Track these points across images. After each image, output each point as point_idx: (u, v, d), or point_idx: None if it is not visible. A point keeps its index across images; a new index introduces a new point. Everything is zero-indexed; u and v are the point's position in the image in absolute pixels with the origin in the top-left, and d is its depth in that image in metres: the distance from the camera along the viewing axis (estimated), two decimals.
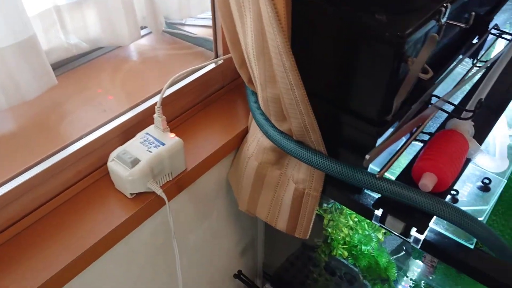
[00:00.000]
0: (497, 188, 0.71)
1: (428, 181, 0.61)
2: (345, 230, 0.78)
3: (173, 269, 0.87)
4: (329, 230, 0.80)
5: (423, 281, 1.00)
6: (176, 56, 0.97)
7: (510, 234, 1.22)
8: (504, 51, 0.90)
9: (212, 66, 0.86)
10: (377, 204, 0.64)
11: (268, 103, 0.65)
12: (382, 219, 0.64)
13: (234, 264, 1.10)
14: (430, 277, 1.03)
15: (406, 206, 0.62)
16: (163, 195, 0.68)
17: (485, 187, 0.71)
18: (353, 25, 0.55)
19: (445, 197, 0.65)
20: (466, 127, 0.69)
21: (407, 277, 0.98)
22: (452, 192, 0.69)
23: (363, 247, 0.80)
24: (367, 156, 0.54)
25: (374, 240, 0.80)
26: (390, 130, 0.63)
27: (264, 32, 0.55)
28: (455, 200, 0.70)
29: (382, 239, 0.88)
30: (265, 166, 0.76)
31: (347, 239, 0.80)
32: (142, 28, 1.01)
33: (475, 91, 0.81)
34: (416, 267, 1.05)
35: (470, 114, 0.75)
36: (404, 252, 1.01)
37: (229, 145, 0.81)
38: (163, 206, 0.72)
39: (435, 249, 0.63)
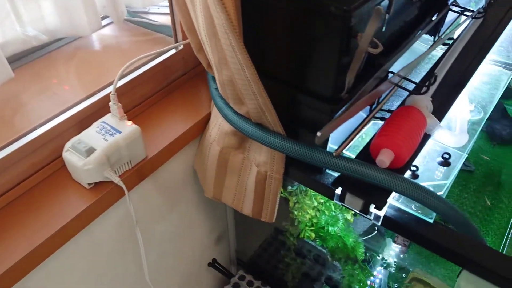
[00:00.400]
0: (457, 163, 0.72)
1: (384, 157, 0.61)
2: (311, 212, 0.78)
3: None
4: (295, 212, 0.80)
5: (394, 260, 1.01)
6: (139, 45, 0.95)
7: (481, 211, 1.23)
8: (465, 28, 0.91)
9: (173, 52, 0.84)
10: (336, 182, 0.64)
11: (224, 86, 0.65)
12: (341, 198, 0.64)
13: (208, 253, 1.10)
14: (402, 256, 1.04)
15: (365, 183, 0.62)
16: (121, 184, 0.66)
17: (445, 162, 0.72)
18: (300, 0, 0.54)
19: (404, 173, 0.65)
20: (424, 103, 0.69)
21: (378, 256, 0.99)
22: (412, 168, 0.70)
23: (330, 228, 0.80)
24: (319, 133, 0.53)
25: (340, 220, 0.80)
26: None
27: (211, 13, 0.54)
28: (415, 176, 0.70)
29: (352, 220, 0.88)
30: (228, 150, 0.75)
31: (314, 220, 0.80)
32: (104, 17, 0.99)
33: (437, 68, 0.81)
34: (392, 247, 1.06)
35: (431, 91, 0.75)
36: (376, 232, 1.01)
37: (192, 131, 0.80)
38: (124, 195, 0.70)
39: (396, 225, 0.64)
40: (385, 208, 0.64)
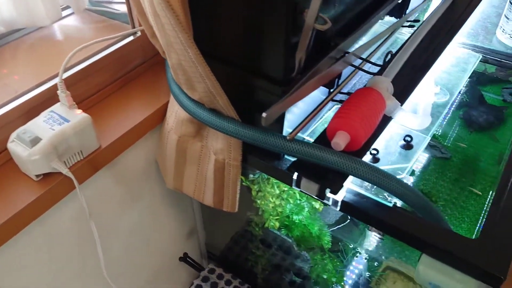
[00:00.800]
0: (420, 146, 0.70)
1: (339, 140, 0.59)
2: (274, 200, 0.76)
3: (105, 254, 0.84)
4: (259, 201, 0.78)
5: (367, 249, 0.99)
6: (100, 34, 0.92)
7: (456, 198, 1.22)
8: (433, 10, 0.89)
9: (130, 39, 0.81)
10: (292, 167, 0.62)
11: (176, 70, 0.62)
12: (297, 183, 0.62)
13: (179, 247, 1.08)
14: (376, 245, 1.03)
15: (322, 168, 0.60)
16: (70, 175, 0.64)
17: (407, 145, 0.70)
18: None
19: (362, 156, 0.64)
20: (384, 85, 0.67)
21: (350, 246, 0.97)
22: (372, 151, 0.68)
23: (295, 217, 0.78)
24: (264, 114, 0.51)
25: (306, 209, 0.78)
26: None
27: None
28: (376, 159, 0.68)
29: (320, 209, 0.86)
30: (185, 139, 0.73)
31: (279, 209, 0.78)
32: (66, 8, 0.96)
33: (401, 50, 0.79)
34: (370, 236, 1.04)
35: (393, 73, 0.73)
36: (349, 221, 0.99)
37: (151, 119, 0.77)
38: (78, 186, 0.68)
39: (354, 210, 0.62)
40: (342, 193, 0.62)
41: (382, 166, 0.67)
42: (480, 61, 0.90)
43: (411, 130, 0.72)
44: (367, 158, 0.67)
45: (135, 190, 0.86)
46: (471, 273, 0.55)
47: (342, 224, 0.98)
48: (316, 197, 0.61)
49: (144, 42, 0.83)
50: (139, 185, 0.87)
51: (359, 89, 0.67)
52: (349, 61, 0.63)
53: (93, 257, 0.82)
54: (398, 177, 0.65)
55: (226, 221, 0.95)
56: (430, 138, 0.71)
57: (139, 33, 0.82)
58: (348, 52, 0.62)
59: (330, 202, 0.62)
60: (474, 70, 1.18)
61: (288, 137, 0.59)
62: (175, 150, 0.74)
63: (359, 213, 0.61)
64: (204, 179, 0.75)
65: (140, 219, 0.91)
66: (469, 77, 1.24)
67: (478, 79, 1.32)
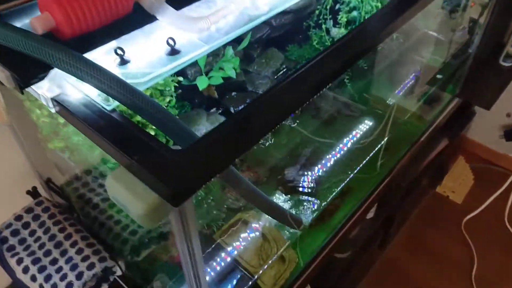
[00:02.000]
0: (189, 53, 0.58)
1: (37, 21, 0.49)
2: (40, 112, 0.66)
3: None
4: (32, 116, 0.68)
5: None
6: None
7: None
8: None
9: None
10: None
11: None
12: None
13: (29, 181, 1.00)
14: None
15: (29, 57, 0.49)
16: None
17: (172, 50, 0.58)
18: None
19: (87, 50, 0.53)
20: None
21: None
22: (118, 51, 0.56)
23: (74, 138, 0.68)
24: None
25: None
26: None
27: None
28: (124, 61, 0.56)
29: None
30: None
31: (65, 129, 0.68)
32: None
33: None
34: None
35: None
36: None
37: None
38: None
39: (68, 113, 0.51)
40: (55, 90, 0.51)
41: (128, 69, 0.55)
42: None
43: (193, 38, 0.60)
44: (112, 59, 0.56)
45: None
46: (153, 186, 0.44)
47: None
48: (19, 91, 0.51)
49: None
50: None
51: None
52: None
53: None
54: (135, 81, 0.54)
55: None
56: (209, 48, 0.58)
57: None
58: None
59: (44, 101, 0.52)
60: None
61: None
62: None
63: (70, 116, 0.51)
64: None
65: None
66: None
67: None
